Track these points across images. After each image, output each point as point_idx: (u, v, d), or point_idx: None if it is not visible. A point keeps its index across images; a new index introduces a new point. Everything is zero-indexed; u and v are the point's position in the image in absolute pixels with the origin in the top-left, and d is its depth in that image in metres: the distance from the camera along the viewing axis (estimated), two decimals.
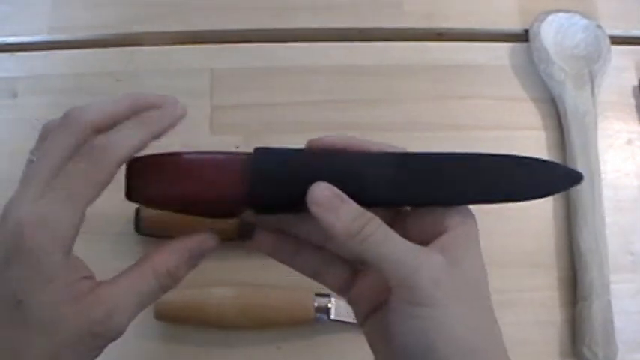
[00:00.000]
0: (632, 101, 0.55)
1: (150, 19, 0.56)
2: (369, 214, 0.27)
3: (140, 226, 0.46)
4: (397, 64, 0.55)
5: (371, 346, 0.31)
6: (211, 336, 0.45)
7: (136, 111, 0.28)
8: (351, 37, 0.56)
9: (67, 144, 0.27)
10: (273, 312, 0.44)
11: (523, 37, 0.57)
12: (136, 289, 0.28)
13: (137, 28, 0.56)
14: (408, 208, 0.30)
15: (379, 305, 0.30)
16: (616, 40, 0.56)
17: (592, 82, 0.53)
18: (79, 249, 0.31)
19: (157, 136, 0.28)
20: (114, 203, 0.48)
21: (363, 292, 0.31)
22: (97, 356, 0.27)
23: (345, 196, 0.27)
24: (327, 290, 0.45)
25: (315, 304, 0.44)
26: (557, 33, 0.55)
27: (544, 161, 0.29)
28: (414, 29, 0.57)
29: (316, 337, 0.46)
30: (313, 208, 0.26)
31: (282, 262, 0.31)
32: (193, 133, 0.51)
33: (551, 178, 0.29)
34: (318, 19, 0.57)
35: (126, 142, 0.27)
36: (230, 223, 0.45)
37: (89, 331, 0.26)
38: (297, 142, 0.52)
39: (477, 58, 0.56)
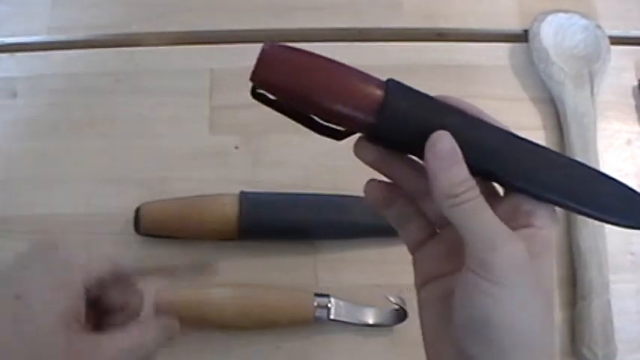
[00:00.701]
0: (632, 101, 0.55)
1: (150, 19, 0.56)
2: (473, 182, 0.27)
3: (139, 226, 0.46)
4: (397, 64, 0.55)
5: (420, 313, 0.31)
6: (211, 336, 0.45)
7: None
8: (351, 37, 0.56)
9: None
10: (273, 312, 0.44)
11: (523, 37, 0.57)
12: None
13: (137, 28, 0.56)
14: (500, 193, 0.30)
15: (441, 274, 0.30)
16: (615, 41, 0.56)
17: (592, 82, 0.53)
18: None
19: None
20: (113, 203, 0.48)
21: (430, 256, 0.31)
22: None
23: (460, 156, 0.27)
24: (326, 291, 0.45)
25: (315, 305, 0.44)
26: (557, 33, 0.55)
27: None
28: (414, 29, 0.57)
29: (316, 337, 0.46)
30: (429, 155, 0.26)
31: (376, 208, 0.32)
32: (193, 133, 0.51)
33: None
34: (318, 19, 0.57)
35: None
36: (230, 224, 0.45)
37: None
38: (297, 142, 0.52)
39: (477, 58, 0.56)
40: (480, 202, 0.27)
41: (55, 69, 0.54)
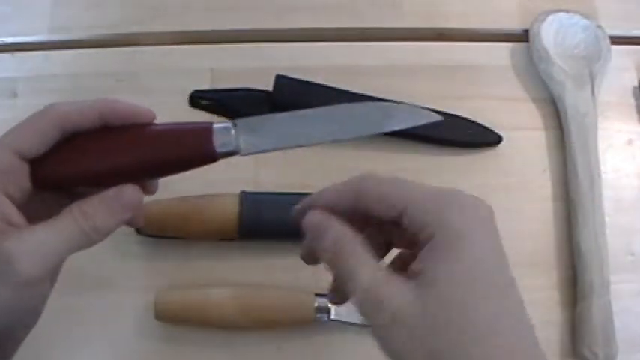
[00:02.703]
0: (633, 101, 0.55)
1: (150, 19, 0.56)
2: (349, 235, 0.28)
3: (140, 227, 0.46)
4: (397, 64, 0.55)
5: None
6: (211, 336, 0.45)
7: (105, 116, 0.30)
8: (351, 37, 0.56)
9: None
10: (273, 312, 0.44)
11: (523, 37, 0.57)
12: (57, 239, 0.29)
13: (137, 28, 0.56)
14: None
15: None
16: (616, 41, 0.56)
17: (592, 82, 0.53)
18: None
19: (104, 118, 0.30)
20: None
21: None
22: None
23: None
24: (326, 291, 0.45)
25: (315, 305, 0.44)
26: (558, 33, 0.55)
27: None
28: (414, 29, 0.57)
29: (316, 338, 0.46)
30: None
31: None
32: None
33: None
34: (318, 19, 0.57)
35: (66, 106, 0.30)
36: (230, 224, 0.45)
37: None
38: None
39: (477, 58, 0.56)
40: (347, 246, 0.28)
41: (55, 69, 0.54)
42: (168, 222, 0.46)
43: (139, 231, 0.46)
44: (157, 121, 0.33)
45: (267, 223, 0.46)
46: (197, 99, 0.52)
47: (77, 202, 0.30)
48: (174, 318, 0.44)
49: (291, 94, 0.51)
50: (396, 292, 0.26)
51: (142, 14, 0.56)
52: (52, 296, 0.31)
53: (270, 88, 0.50)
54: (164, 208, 0.46)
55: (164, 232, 0.46)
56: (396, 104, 0.33)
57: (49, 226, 0.29)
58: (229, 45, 0.55)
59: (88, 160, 0.30)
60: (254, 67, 0.54)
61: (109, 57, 0.54)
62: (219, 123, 0.31)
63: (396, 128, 0.32)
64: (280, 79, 0.50)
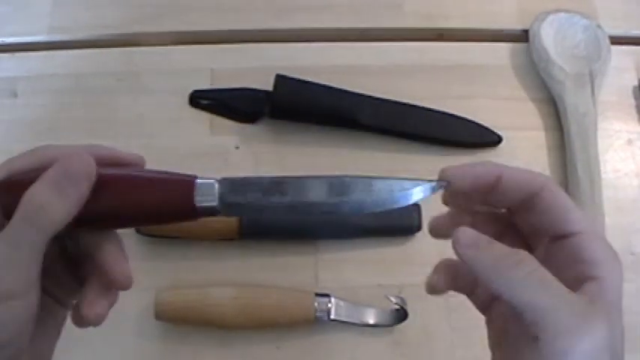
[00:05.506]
0: (632, 101, 0.55)
1: (150, 19, 0.56)
2: (522, 252, 0.26)
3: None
4: (397, 64, 0.55)
5: None
6: (211, 336, 0.45)
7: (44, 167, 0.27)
8: (351, 37, 0.56)
9: None
10: (273, 312, 0.44)
11: (523, 37, 0.57)
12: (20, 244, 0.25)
13: (137, 28, 0.56)
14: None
15: (513, 333, 0.29)
16: (616, 40, 0.56)
17: (592, 82, 0.53)
18: None
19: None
20: None
21: (500, 315, 0.30)
22: None
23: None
24: (326, 290, 0.45)
25: (315, 305, 0.44)
26: (558, 33, 0.55)
27: None
28: (414, 29, 0.57)
29: (316, 337, 0.46)
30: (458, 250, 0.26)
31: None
32: (193, 133, 0.51)
33: None
34: (318, 19, 0.57)
35: (55, 150, 0.28)
36: (230, 224, 0.45)
37: None
38: (296, 142, 0.52)
39: (477, 58, 0.56)
40: (540, 272, 0.25)
41: (55, 69, 0.54)
42: None
43: (139, 230, 0.46)
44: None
45: (267, 223, 0.46)
46: (197, 99, 0.52)
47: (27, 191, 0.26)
48: (174, 318, 0.44)
49: (291, 94, 0.50)
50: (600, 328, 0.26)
51: (142, 14, 0.56)
52: None
53: (270, 88, 0.50)
54: None
55: (164, 232, 0.46)
56: (407, 181, 0.30)
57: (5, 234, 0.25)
58: (229, 45, 0.55)
59: None
60: (254, 67, 0.54)
61: (109, 57, 0.54)
62: (203, 178, 0.29)
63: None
64: (280, 79, 0.50)
